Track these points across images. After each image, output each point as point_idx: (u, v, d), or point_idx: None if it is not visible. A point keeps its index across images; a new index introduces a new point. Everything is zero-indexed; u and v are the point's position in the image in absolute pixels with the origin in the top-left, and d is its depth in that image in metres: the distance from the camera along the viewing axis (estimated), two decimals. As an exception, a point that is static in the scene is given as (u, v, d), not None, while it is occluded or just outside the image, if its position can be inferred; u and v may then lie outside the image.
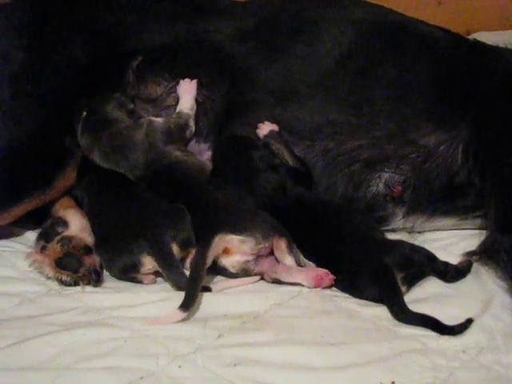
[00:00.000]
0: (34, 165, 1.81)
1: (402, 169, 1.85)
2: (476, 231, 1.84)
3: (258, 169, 1.78)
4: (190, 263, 1.57)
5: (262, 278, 1.64)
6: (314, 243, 1.65)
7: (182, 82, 1.97)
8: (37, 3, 2.02)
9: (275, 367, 1.32)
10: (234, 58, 1.99)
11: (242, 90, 1.96)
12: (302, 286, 1.60)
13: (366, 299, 1.55)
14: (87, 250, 1.70)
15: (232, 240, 1.58)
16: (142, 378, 1.29)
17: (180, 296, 1.50)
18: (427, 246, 1.69)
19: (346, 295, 1.59)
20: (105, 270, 1.69)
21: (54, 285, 1.66)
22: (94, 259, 1.68)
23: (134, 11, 2.04)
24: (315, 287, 1.59)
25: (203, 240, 1.58)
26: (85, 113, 1.89)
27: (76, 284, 1.64)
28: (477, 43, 2.03)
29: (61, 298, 1.60)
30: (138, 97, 1.99)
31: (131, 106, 1.94)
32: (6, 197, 1.77)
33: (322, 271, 1.60)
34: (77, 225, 1.76)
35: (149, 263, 1.61)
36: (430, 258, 1.62)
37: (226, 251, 1.59)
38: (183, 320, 1.46)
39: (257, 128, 1.90)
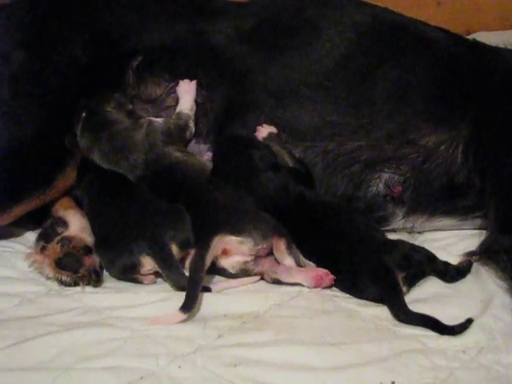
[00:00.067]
0: (34, 165, 1.81)
1: (402, 169, 1.85)
2: (476, 231, 1.84)
3: (259, 169, 1.78)
4: (190, 264, 1.57)
5: (262, 279, 1.64)
6: (314, 243, 1.65)
7: (181, 82, 1.97)
8: (37, 3, 2.02)
9: (275, 367, 1.32)
10: (234, 59, 1.99)
11: (241, 91, 1.96)
12: (302, 286, 1.60)
13: (366, 299, 1.55)
14: (87, 250, 1.70)
15: (231, 241, 1.58)
16: (141, 378, 1.29)
17: (180, 296, 1.50)
18: (427, 246, 1.69)
19: (346, 295, 1.59)
20: (105, 271, 1.68)
21: (54, 285, 1.66)
22: (94, 259, 1.68)
23: (133, 11, 2.04)
24: (315, 287, 1.59)
25: (202, 241, 1.57)
26: (84, 113, 1.89)
27: (76, 284, 1.64)
28: (476, 43, 2.03)
29: (61, 299, 1.60)
30: (138, 97, 2.00)
31: (130, 106, 1.95)
32: (5, 197, 1.77)
33: (322, 271, 1.59)
34: (77, 225, 1.76)
35: (148, 263, 1.61)
36: (430, 258, 1.62)
37: (225, 252, 1.59)
38: (183, 321, 1.46)
39: (256, 131, 1.90)
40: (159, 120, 1.92)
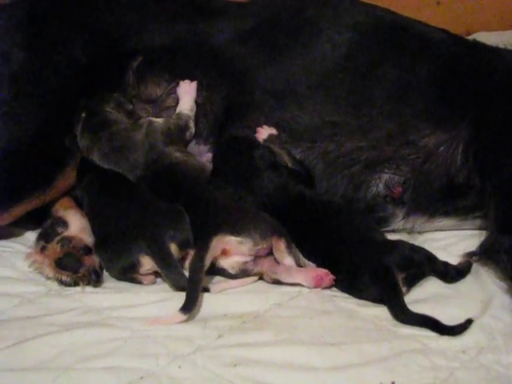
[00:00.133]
0: (34, 165, 1.81)
1: (402, 170, 1.85)
2: (476, 232, 1.84)
3: (259, 168, 1.78)
4: (189, 265, 1.57)
5: (262, 279, 1.64)
6: (314, 243, 1.65)
7: (181, 83, 1.97)
8: (37, 3, 2.02)
9: (275, 367, 1.32)
10: (234, 59, 1.99)
11: (241, 91, 1.96)
12: (302, 286, 1.60)
13: (366, 299, 1.55)
14: (87, 250, 1.70)
15: (230, 241, 1.58)
16: (141, 378, 1.29)
17: (180, 296, 1.50)
18: (427, 247, 1.69)
19: (346, 295, 1.59)
20: (104, 271, 1.68)
21: (54, 285, 1.66)
22: (94, 259, 1.68)
23: (133, 11, 2.04)
24: (315, 287, 1.59)
25: (201, 242, 1.57)
26: (84, 114, 1.89)
27: (76, 284, 1.64)
28: (476, 43, 2.03)
29: (61, 299, 1.60)
30: (138, 97, 2.00)
31: (130, 106, 1.95)
32: (5, 197, 1.77)
33: (322, 271, 1.59)
34: (77, 225, 1.76)
35: (147, 263, 1.61)
36: (430, 258, 1.62)
37: (224, 252, 1.59)
38: (183, 321, 1.46)
39: (256, 132, 1.90)
40: (159, 120, 1.92)
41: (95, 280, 1.64)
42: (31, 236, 1.84)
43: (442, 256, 1.67)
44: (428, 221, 1.87)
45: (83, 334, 1.42)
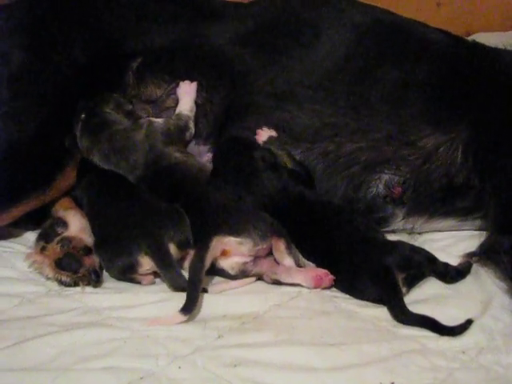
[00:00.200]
0: (34, 165, 1.81)
1: (402, 170, 1.85)
2: (475, 232, 1.84)
3: (259, 169, 1.78)
4: (189, 266, 1.56)
5: (262, 279, 1.64)
6: (314, 243, 1.65)
7: (181, 83, 1.97)
8: (37, 3, 2.02)
9: (275, 368, 1.32)
10: (234, 60, 1.99)
11: (241, 92, 1.96)
12: (302, 286, 1.59)
13: (366, 300, 1.55)
14: (87, 250, 1.70)
15: (230, 242, 1.58)
16: (141, 378, 1.29)
17: (179, 297, 1.50)
18: (427, 247, 1.69)
19: (346, 296, 1.59)
20: (104, 271, 1.68)
21: (54, 285, 1.66)
22: (94, 260, 1.68)
23: (133, 11, 2.05)
24: (315, 288, 1.59)
25: (201, 242, 1.57)
26: (83, 115, 1.89)
27: (76, 285, 1.64)
28: (476, 44, 2.03)
29: (60, 299, 1.60)
30: (138, 97, 2.00)
31: (129, 107, 1.95)
32: (5, 197, 1.77)
33: (322, 271, 1.59)
34: (76, 225, 1.76)
35: (147, 263, 1.61)
36: (430, 259, 1.62)
37: (224, 253, 1.59)
38: (183, 322, 1.46)
39: (255, 134, 1.90)
40: (159, 120, 1.92)
41: (95, 280, 1.64)
42: (31, 236, 1.84)
43: (442, 256, 1.66)
44: (428, 221, 1.87)
45: (83, 335, 1.42)
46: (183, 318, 1.45)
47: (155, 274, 1.64)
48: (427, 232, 1.89)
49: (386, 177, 1.85)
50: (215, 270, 1.61)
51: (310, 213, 1.71)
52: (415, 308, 1.49)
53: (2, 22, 1.97)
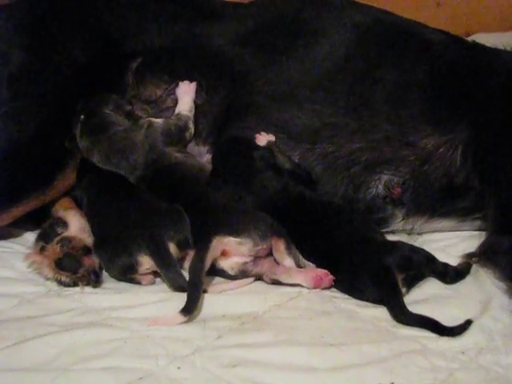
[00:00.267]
0: (34, 165, 1.81)
1: (401, 171, 1.85)
2: (475, 233, 1.85)
3: (259, 169, 1.78)
4: (189, 267, 1.56)
5: (262, 279, 1.64)
6: (314, 243, 1.65)
7: (181, 83, 1.97)
8: (37, 3, 2.02)
9: (274, 368, 1.32)
10: (234, 61, 1.99)
11: (241, 93, 1.96)
12: (302, 286, 1.59)
13: (366, 300, 1.55)
14: (86, 250, 1.70)
15: (230, 242, 1.58)
16: (141, 378, 1.29)
17: (179, 297, 1.50)
18: (426, 248, 1.69)
19: (346, 296, 1.59)
20: (104, 271, 1.69)
21: (53, 285, 1.66)
22: (93, 260, 1.69)
23: (133, 11, 2.05)
24: (314, 288, 1.59)
25: (201, 243, 1.57)
26: (83, 116, 1.89)
27: (75, 285, 1.64)
28: (476, 45, 2.03)
29: (60, 299, 1.60)
30: (138, 97, 2.00)
31: (129, 107, 1.95)
32: (5, 197, 1.77)
33: (322, 272, 1.59)
34: (76, 225, 1.76)
35: (146, 262, 1.61)
36: (430, 259, 1.62)
37: (224, 253, 1.59)
38: (183, 322, 1.46)
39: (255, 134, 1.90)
40: (159, 121, 1.92)
41: (94, 280, 1.64)
42: (30, 236, 1.85)
43: (442, 257, 1.67)
44: (427, 222, 1.87)
45: (83, 335, 1.42)
46: (183, 318, 1.45)
47: (155, 274, 1.64)
48: (427, 232, 1.89)
49: (385, 177, 1.86)
50: (215, 271, 1.61)
51: (309, 213, 1.71)
52: (415, 308, 1.49)
53: (1, 22, 1.97)
